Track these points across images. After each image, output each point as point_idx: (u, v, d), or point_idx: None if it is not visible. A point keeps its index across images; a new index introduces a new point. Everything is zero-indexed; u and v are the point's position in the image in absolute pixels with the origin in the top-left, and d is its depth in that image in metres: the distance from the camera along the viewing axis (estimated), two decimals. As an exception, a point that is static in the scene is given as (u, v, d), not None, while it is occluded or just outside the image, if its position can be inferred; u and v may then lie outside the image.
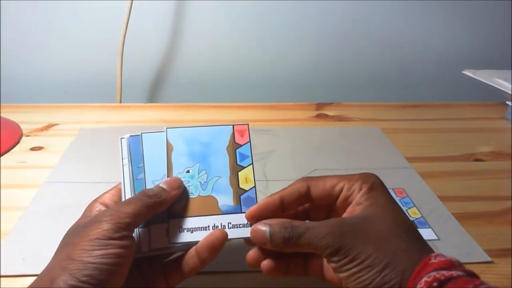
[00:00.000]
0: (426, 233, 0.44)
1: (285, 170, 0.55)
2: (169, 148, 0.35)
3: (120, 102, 0.77)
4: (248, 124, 0.36)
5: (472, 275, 0.26)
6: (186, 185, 0.34)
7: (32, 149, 0.58)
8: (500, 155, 0.61)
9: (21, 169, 0.54)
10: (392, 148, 0.61)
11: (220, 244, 0.32)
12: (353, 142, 0.63)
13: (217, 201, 0.34)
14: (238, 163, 0.35)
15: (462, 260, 0.41)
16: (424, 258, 0.27)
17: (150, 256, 0.33)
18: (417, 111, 0.75)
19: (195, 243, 0.32)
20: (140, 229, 0.32)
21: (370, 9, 0.80)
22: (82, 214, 0.33)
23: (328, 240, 0.28)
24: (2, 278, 0.37)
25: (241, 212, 0.33)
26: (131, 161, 0.35)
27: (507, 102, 0.72)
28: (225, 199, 0.34)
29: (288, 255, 0.32)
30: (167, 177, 0.34)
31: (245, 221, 0.33)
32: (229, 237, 0.32)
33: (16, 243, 0.41)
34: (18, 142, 0.60)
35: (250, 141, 0.36)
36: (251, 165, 0.35)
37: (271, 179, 0.53)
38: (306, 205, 0.35)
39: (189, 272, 0.32)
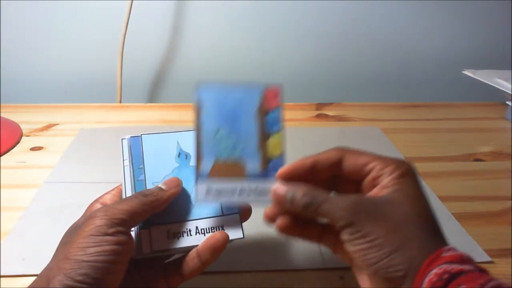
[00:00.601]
0: (426, 233, 0.44)
1: (285, 170, 0.55)
2: (198, 106, 0.33)
3: (120, 102, 0.77)
4: (280, 86, 0.34)
5: (482, 270, 0.26)
6: (214, 148, 0.32)
7: (32, 149, 0.58)
8: (500, 155, 0.61)
9: (21, 169, 0.54)
10: (392, 148, 0.61)
11: (221, 246, 0.32)
12: (353, 142, 0.62)
13: (244, 166, 0.32)
14: (268, 128, 0.33)
15: (462, 260, 0.41)
16: (436, 250, 0.27)
17: (150, 257, 0.33)
18: (417, 111, 0.75)
19: (196, 245, 0.32)
20: (141, 230, 0.32)
21: (370, 9, 0.80)
22: (82, 215, 0.33)
23: (344, 213, 0.28)
24: (2, 278, 0.37)
25: (268, 178, 0.32)
26: (132, 162, 0.35)
27: (507, 102, 0.72)
28: (253, 164, 0.32)
29: (305, 220, 0.32)
30: (196, 140, 0.32)
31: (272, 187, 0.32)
32: (254, 202, 0.32)
33: (16, 243, 0.41)
34: (18, 142, 0.60)
35: (281, 105, 0.33)
36: (281, 131, 0.33)
37: (271, 179, 0.53)
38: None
39: (190, 274, 0.32)
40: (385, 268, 0.27)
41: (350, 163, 0.32)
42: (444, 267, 0.25)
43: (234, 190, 0.31)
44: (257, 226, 0.44)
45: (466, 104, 0.79)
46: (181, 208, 0.33)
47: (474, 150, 0.62)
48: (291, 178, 0.32)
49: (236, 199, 0.32)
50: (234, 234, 0.33)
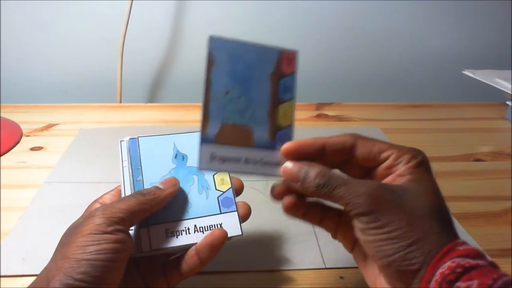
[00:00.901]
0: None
1: (285, 170, 0.55)
2: (210, 61, 0.29)
3: (120, 102, 0.77)
4: (296, 51, 0.32)
5: (495, 266, 0.26)
6: (222, 108, 0.29)
7: (32, 149, 0.58)
8: (500, 155, 0.61)
9: (21, 169, 0.54)
10: (392, 148, 0.61)
11: (220, 243, 0.32)
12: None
13: (252, 133, 0.30)
14: (280, 95, 0.31)
15: (462, 260, 0.41)
16: (450, 243, 0.26)
17: (150, 256, 0.33)
18: (417, 111, 0.75)
19: (195, 243, 0.32)
20: (140, 229, 0.32)
21: (370, 9, 0.80)
22: (82, 215, 0.33)
23: (363, 200, 0.27)
24: (2, 278, 0.37)
25: (276, 149, 0.30)
26: (131, 163, 0.35)
27: (507, 102, 0.72)
28: (261, 132, 0.30)
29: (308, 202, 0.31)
30: (204, 97, 0.29)
31: (279, 159, 0.30)
32: (259, 174, 0.30)
33: (16, 243, 0.41)
34: (18, 142, 0.60)
35: (295, 72, 0.31)
36: (293, 100, 0.31)
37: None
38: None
39: (189, 272, 0.32)
40: (400, 261, 0.26)
41: (364, 149, 0.31)
42: (458, 260, 0.25)
43: (240, 159, 0.29)
44: (257, 226, 0.44)
45: (466, 104, 0.79)
46: (179, 207, 0.34)
47: (474, 150, 0.62)
48: (297, 155, 0.30)
49: (241, 169, 0.29)
50: (232, 231, 0.33)
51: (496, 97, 0.74)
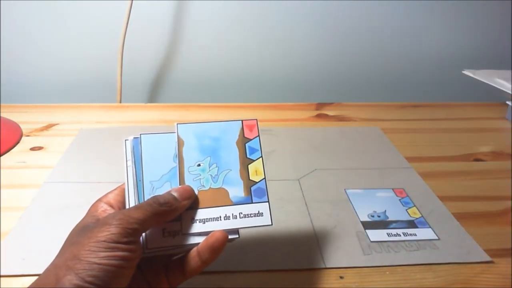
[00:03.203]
0: (426, 233, 0.44)
1: (285, 170, 0.55)
2: (180, 143, 0.35)
3: (120, 102, 0.77)
4: (256, 119, 0.37)
5: None
6: (197, 179, 0.34)
7: (32, 149, 0.58)
8: (500, 155, 0.61)
9: (21, 169, 0.54)
10: (392, 148, 0.61)
11: (221, 245, 0.32)
12: (353, 142, 0.63)
13: (228, 193, 0.34)
14: (247, 156, 0.36)
15: (462, 260, 0.41)
16: None
17: (150, 256, 0.33)
18: (417, 111, 0.75)
19: (195, 244, 0.32)
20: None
21: (370, 9, 0.80)
22: (87, 214, 0.33)
23: None
24: (2, 278, 0.37)
25: (252, 203, 0.34)
26: (134, 163, 0.35)
27: (507, 102, 0.72)
28: (236, 191, 0.34)
29: None
30: (179, 172, 0.34)
31: (256, 211, 0.34)
32: (240, 226, 0.33)
33: (16, 243, 0.41)
34: (18, 142, 0.60)
35: (259, 136, 0.37)
36: (261, 158, 0.36)
37: (271, 179, 0.53)
38: None
39: (191, 273, 0.32)
40: None
41: None
42: None
43: (220, 217, 0.33)
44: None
45: (466, 104, 0.79)
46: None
47: (474, 150, 0.62)
48: None
49: (223, 225, 0.33)
50: (230, 234, 0.33)
51: (496, 97, 0.74)
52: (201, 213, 0.33)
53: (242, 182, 0.35)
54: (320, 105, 0.76)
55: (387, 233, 0.44)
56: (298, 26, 0.81)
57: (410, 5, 0.81)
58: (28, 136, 0.62)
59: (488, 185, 0.54)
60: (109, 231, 0.28)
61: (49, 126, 0.65)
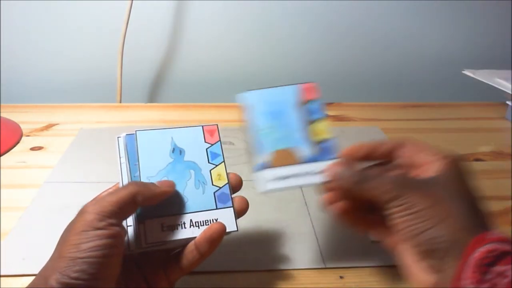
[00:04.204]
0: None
1: (285, 170, 0.55)
2: (247, 110, 0.37)
3: (120, 102, 0.77)
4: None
5: None
6: (268, 141, 0.36)
7: (32, 149, 0.58)
8: (500, 155, 0.61)
9: (21, 169, 0.54)
10: (392, 148, 0.61)
11: (218, 237, 0.32)
12: (353, 142, 0.62)
13: (297, 153, 0.36)
14: (310, 117, 0.37)
15: (462, 260, 0.40)
16: (482, 231, 0.28)
17: (149, 252, 0.33)
18: (417, 111, 0.75)
19: (193, 238, 0.33)
20: (136, 224, 0.32)
21: (370, 9, 0.80)
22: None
23: (390, 187, 0.31)
24: (2, 278, 0.37)
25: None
26: (128, 159, 0.35)
27: (507, 102, 0.72)
28: (304, 150, 0.35)
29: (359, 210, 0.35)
30: (250, 135, 0.36)
31: (323, 168, 0.34)
32: (309, 184, 0.35)
33: (16, 243, 0.41)
34: (18, 142, 0.60)
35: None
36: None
37: (271, 179, 0.53)
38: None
39: (189, 267, 0.32)
40: (429, 238, 0.28)
41: (407, 153, 0.35)
42: (495, 245, 0.26)
43: (292, 175, 0.34)
44: (257, 225, 0.44)
45: (466, 104, 0.79)
46: (175, 202, 0.34)
47: (474, 150, 0.62)
48: (351, 157, 0.36)
49: (295, 183, 0.34)
50: (228, 226, 0.34)
51: (496, 97, 0.73)
52: (276, 172, 0.35)
53: (308, 141, 0.36)
54: (320, 105, 0.76)
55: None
56: (298, 26, 0.81)
57: (410, 5, 0.81)
58: (28, 136, 0.62)
59: (488, 185, 0.53)
60: (85, 219, 0.28)
61: (49, 126, 0.65)
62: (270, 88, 0.38)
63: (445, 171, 0.32)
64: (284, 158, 0.35)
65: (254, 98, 0.37)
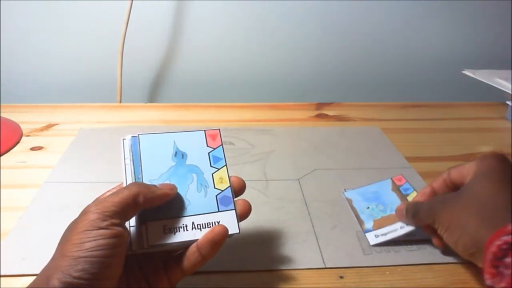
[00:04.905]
0: (426, 233, 0.44)
1: (285, 170, 0.55)
2: (351, 203, 0.48)
3: (120, 102, 0.77)
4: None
5: None
6: (370, 214, 0.46)
7: (32, 149, 0.58)
8: (500, 155, 0.61)
9: (21, 169, 0.54)
10: (392, 148, 0.61)
11: (221, 240, 0.32)
12: (353, 142, 0.63)
13: (394, 217, 0.44)
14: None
15: (462, 260, 0.40)
16: (503, 226, 0.30)
17: (151, 253, 0.33)
18: (417, 111, 0.75)
19: (195, 240, 0.33)
20: (138, 225, 0.32)
21: (370, 9, 0.80)
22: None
23: (426, 215, 0.39)
24: (2, 278, 0.37)
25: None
26: (133, 161, 0.35)
27: (507, 102, 0.72)
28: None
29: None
30: (355, 214, 0.46)
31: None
32: (403, 233, 0.42)
33: (16, 243, 0.41)
34: (18, 142, 0.60)
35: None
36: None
37: (271, 179, 0.53)
38: None
39: (191, 269, 0.32)
40: (461, 251, 0.35)
41: (455, 174, 0.40)
42: (505, 238, 0.28)
43: (390, 231, 0.43)
44: (257, 226, 0.44)
45: (466, 104, 0.79)
46: (177, 204, 0.34)
47: (474, 150, 0.62)
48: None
49: (394, 235, 0.42)
50: (230, 229, 0.34)
51: (496, 97, 0.74)
52: (379, 231, 0.44)
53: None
54: (320, 105, 0.76)
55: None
56: (298, 26, 0.81)
57: (410, 5, 0.81)
58: (28, 136, 0.62)
59: (488, 185, 0.53)
60: (88, 219, 0.28)
61: (49, 126, 0.65)
62: (366, 186, 0.50)
63: (476, 172, 0.36)
64: (385, 221, 0.44)
65: (354, 194, 0.50)
